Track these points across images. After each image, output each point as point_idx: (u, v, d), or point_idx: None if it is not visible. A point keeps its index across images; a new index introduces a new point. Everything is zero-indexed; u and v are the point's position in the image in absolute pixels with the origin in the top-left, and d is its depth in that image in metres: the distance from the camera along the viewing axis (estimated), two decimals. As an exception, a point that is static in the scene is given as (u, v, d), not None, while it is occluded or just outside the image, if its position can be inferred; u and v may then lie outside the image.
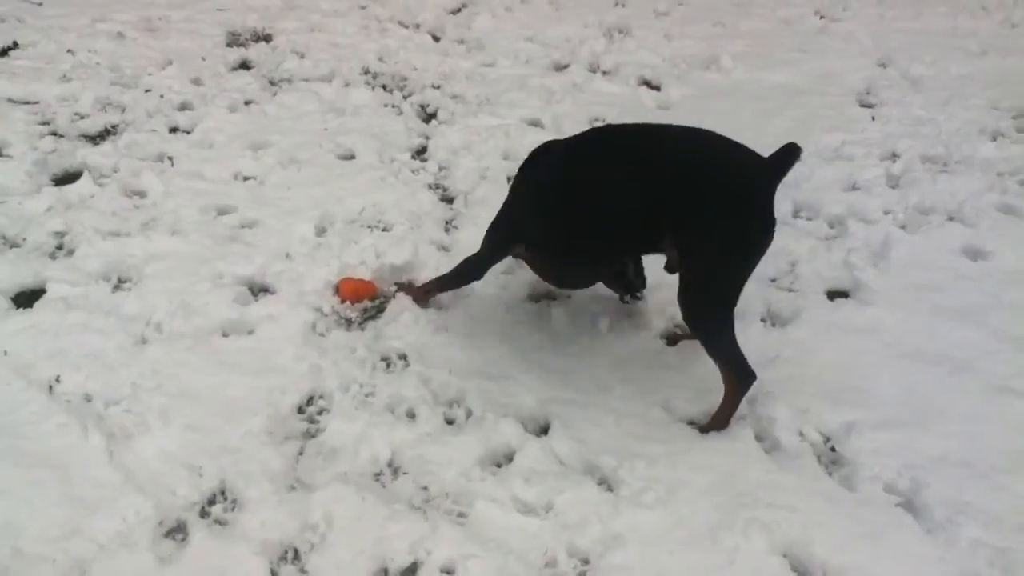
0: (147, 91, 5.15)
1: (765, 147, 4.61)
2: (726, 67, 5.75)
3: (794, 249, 3.76)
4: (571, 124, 4.83)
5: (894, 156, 4.61)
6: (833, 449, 2.79)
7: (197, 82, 5.31)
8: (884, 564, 2.37)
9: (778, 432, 2.81)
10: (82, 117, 4.78)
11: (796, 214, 4.09)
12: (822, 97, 5.38)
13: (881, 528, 2.48)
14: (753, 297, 3.43)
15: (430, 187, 4.26)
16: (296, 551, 2.41)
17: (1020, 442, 2.78)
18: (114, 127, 4.74)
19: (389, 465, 2.69)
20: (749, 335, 3.23)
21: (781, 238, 3.79)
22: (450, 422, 2.87)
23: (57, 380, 2.94)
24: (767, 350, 3.16)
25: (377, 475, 2.65)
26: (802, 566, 2.39)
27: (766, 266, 3.63)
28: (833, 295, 3.52)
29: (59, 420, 2.76)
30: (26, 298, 3.35)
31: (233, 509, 2.53)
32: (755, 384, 2.97)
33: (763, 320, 3.36)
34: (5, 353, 3.04)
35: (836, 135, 4.83)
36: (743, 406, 2.90)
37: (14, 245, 3.65)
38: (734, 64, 5.78)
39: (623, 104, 5.21)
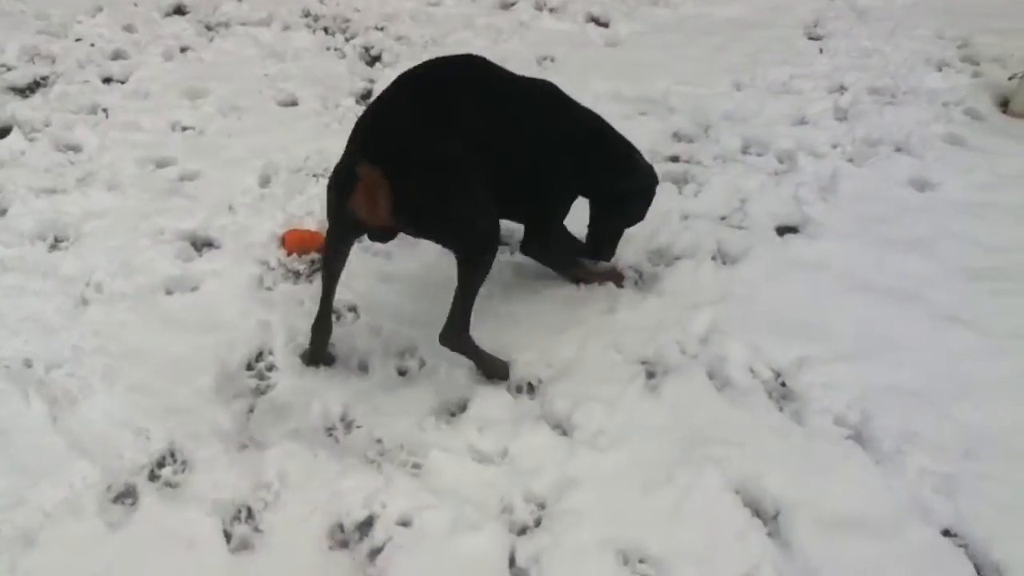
0: (77, 40, 4.94)
1: (715, 83, 4.61)
2: (674, 2, 5.66)
3: (743, 186, 3.76)
4: (518, 63, 4.68)
5: (842, 89, 4.60)
6: (784, 384, 2.81)
7: (129, 29, 5.11)
8: (834, 496, 2.41)
9: (729, 370, 2.82)
10: (9, 69, 4.59)
11: (745, 150, 4.08)
12: (771, 30, 5.33)
13: (831, 461, 2.52)
14: (703, 235, 3.43)
15: (376, 133, 4.16)
16: (250, 510, 2.37)
17: (966, 370, 2.82)
18: (44, 79, 4.56)
19: (342, 419, 2.66)
20: (700, 274, 3.25)
21: (731, 175, 3.82)
22: (402, 373, 2.84)
23: (-6, 346, 2.85)
24: (718, 288, 3.17)
25: (329, 430, 2.62)
26: (754, 501, 2.41)
27: (716, 204, 3.65)
28: (783, 231, 3.52)
29: (-2, 387, 2.69)
30: (-43, 261, 3.23)
31: (183, 471, 2.48)
32: (707, 323, 3.00)
33: (713, 258, 3.35)
34: (-62, 320, 2.93)
35: (785, 68, 4.79)
36: (695, 345, 2.92)
37: (-59, 206, 3.51)
38: (683, -2, 5.69)
39: (571, 41, 5.12)
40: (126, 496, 2.41)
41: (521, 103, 2.79)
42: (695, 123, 4.26)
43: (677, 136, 4.18)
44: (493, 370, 2.80)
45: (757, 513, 2.39)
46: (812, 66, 4.85)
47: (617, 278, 3.23)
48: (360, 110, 4.29)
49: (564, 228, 3.07)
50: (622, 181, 2.97)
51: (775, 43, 5.15)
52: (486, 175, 2.57)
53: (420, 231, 2.61)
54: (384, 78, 4.58)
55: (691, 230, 3.46)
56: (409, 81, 2.63)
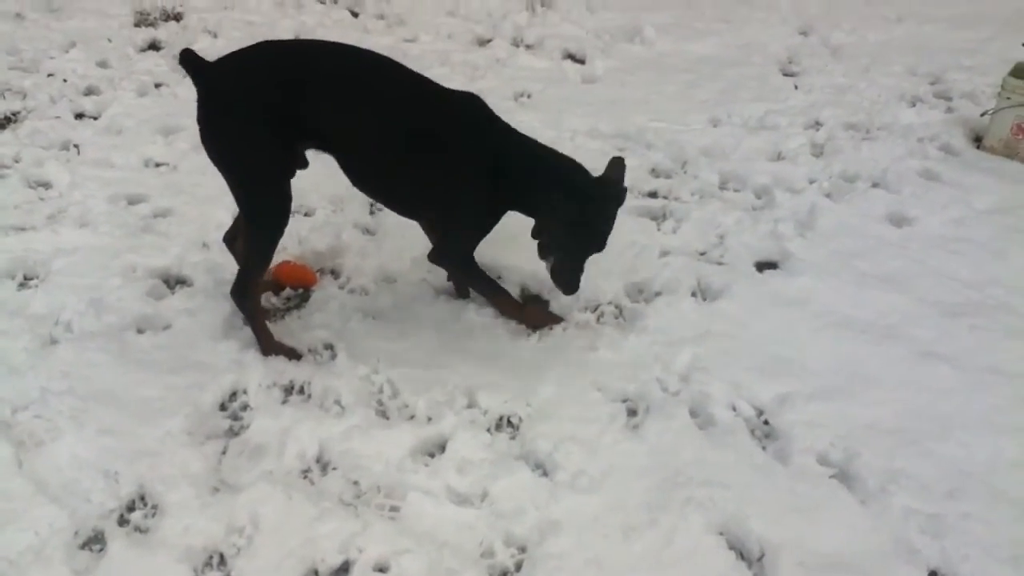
0: (49, 75, 4.90)
1: (692, 119, 4.64)
2: (649, 39, 5.72)
3: (722, 221, 3.76)
4: (496, 99, 4.72)
5: (817, 124, 4.65)
6: (767, 423, 2.78)
7: (103, 65, 5.08)
8: (820, 536, 2.38)
9: (712, 407, 2.80)
10: (-21, 104, 4.52)
11: (723, 186, 4.09)
12: (745, 67, 5.39)
13: (816, 500, 2.49)
14: (683, 271, 3.42)
15: (353, 169, 4.13)
16: (222, 556, 2.30)
17: (946, 407, 2.82)
18: (15, 114, 4.50)
19: (317, 461, 2.59)
20: (681, 310, 3.23)
21: (709, 211, 3.82)
22: (380, 413, 2.78)
23: (-41, 387, 2.76)
24: (698, 325, 3.15)
25: (305, 472, 2.56)
26: (739, 542, 2.38)
27: (695, 240, 3.65)
28: (762, 266, 3.52)
29: (-38, 429, 2.60)
30: (-78, 300, 3.15)
31: (154, 515, 2.41)
32: (688, 360, 2.97)
33: (693, 295, 3.34)
34: (-100, 360, 2.85)
35: (760, 105, 4.84)
36: (676, 383, 2.89)
37: (-92, 243, 3.43)
38: (657, 35, 5.74)
39: (548, 78, 5.15)
40: (94, 542, 2.33)
41: (415, 102, 2.78)
42: (672, 159, 4.27)
43: (655, 172, 4.19)
44: (268, 347, 2.93)
45: (742, 555, 2.36)
46: (787, 102, 4.90)
47: (547, 320, 3.17)
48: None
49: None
50: (557, 201, 2.69)
51: (750, 80, 5.21)
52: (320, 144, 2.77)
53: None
54: (361, 114, 4.58)
55: (671, 266, 3.45)
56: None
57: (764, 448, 2.69)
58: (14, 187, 3.84)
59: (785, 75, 5.34)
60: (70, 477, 2.49)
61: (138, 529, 2.38)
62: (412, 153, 2.73)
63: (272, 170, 2.74)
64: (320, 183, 3.89)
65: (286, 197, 2.78)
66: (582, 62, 5.43)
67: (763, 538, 2.36)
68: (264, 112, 2.64)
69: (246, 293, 2.91)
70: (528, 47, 5.58)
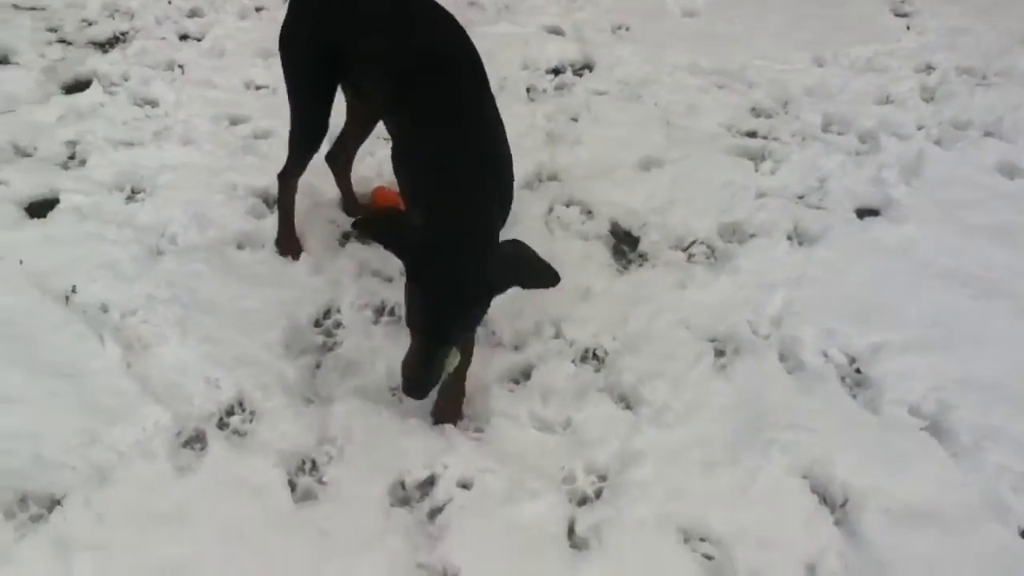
0: (156, -4, 5.00)
1: (795, 58, 4.47)
2: (756, -27, 5.49)
3: (823, 165, 3.65)
4: (593, 31, 4.67)
5: (929, 68, 4.43)
6: (859, 371, 2.74)
7: (207, -13, 5.14)
8: (906, 487, 2.35)
9: (802, 353, 2.76)
10: (90, 24, 4.64)
11: (826, 128, 3.95)
12: (854, 6, 5.14)
13: (905, 451, 2.45)
14: (779, 213, 3.35)
15: (448, 97, 4.13)
16: (314, 462, 2.41)
17: (1049, 365, 2.72)
18: (123, 34, 4.61)
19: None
20: (775, 253, 3.17)
21: (810, 153, 3.72)
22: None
23: (73, 290, 2.90)
24: (793, 269, 3.09)
25: (394, 390, 2.62)
26: (822, 487, 2.37)
27: (793, 182, 3.56)
28: (863, 213, 3.42)
29: (76, 330, 2.75)
30: (39, 208, 3.30)
31: (251, 421, 2.52)
32: (780, 304, 2.93)
33: (789, 238, 3.26)
34: (21, 263, 3.00)
35: (868, 46, 4.63)
36: (767, 326, 2.86)
37: (26, 155, 3.58)
38: (765, -31, 5.52)
39: (647, 11, 5.00)
40: (195, 441, 2.46)
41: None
42: (774, 99, 4.14)
43: (755, 111, 4.08)
44: (282, 239, 3.05)
45: (824, 500, 2.35)
46: (898, 44, 4.68)
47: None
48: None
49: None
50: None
51: (858, 19, 4.97)
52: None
53: None
54: (458, 43, 4.56)
55: (767, 208, 3.38)
56: None
57: (854, 396, 2.65)
58: (122, 104, 3.96)
59: (896, 15, 5.08)
60: (174, 380, 2.62)
61: (236, 432, 2.50)
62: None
63: (311, 93, 2.75)
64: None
65: (316, 122, 2.78)
66: (683, -5, 5.27)
67: (847, 484, 2.35)
68: (318, 39, 2.62)
69: (281, 184, 3.03)
70: (628, -21, 5.43)
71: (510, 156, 2.43)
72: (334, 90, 2.77)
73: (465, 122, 2.33)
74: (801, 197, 3.50)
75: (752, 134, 3.92)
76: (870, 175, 3.58)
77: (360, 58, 2.57)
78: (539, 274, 2.15)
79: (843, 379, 2.70)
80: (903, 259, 3.14)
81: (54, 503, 2.28)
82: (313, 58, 2.65)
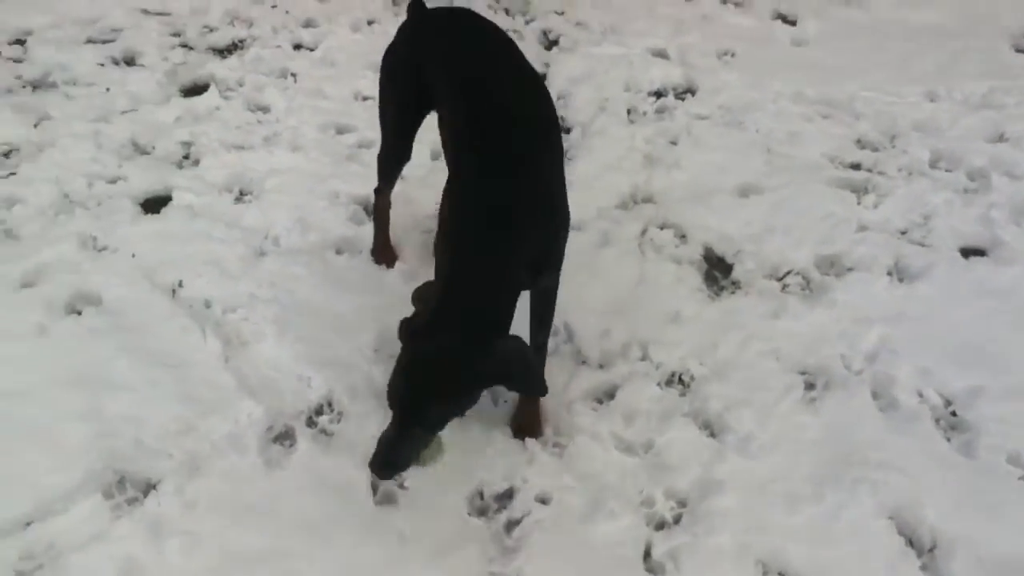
0: (273, 6, 5.19)
1: (906, 91, 4.36)
2: (868, 3, 5.37)
3: (929, 201, 3.54)
4: (698, 56, 4.65)
5: (1050, 108, 4.25)
6: (954, 414, 2.64)
7: (322, -1, 5.33)
8: (999, 536, 2.26)
9: (896, 391, 2.68)
10: (211, 30, 4.87)
11: (934, 164, 3.83)
12: (972, 40, 4.97)
13: (999, 499, 2.36)
14: (880, 248, 3.26)
15: (548, 116, 4.17)
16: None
17: None
18: (241, 41, 4.81)
19: (492, 392, 2.69)
20: (873, 288, 3.09)
21: (916, 188, 3.61)
22: (553, 355, 2.83)
23: (180, 285, 3.05)
24: (891, 305, 3.01)
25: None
26: (910, 529, 2.30)
27: (896, 217, 3.46)
28: (968, 252, 3.30)
29: (180, 323, 2.88)
30: (154, 204, 3.48)
31: (339, 421, 2.59)
32: (876, 340, 2.85)
33: (889, 274, 3.18)
34: (133, 256, 3.17)
35: (985, 82, 4.47)
36: (860, 362, 2.78)
37: (144, 152, 3.78)
38: (879, 0, 5.40)
39: (754, 37, 4.95)
40: (285, 437, 2.55)
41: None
42: (881, 131, 4.05)
43: (860, 143, 3.99)
44: (377, 249, 3.10)
45: (911, 543, 2.28)
46: (1017, 81, 4.49)
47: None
48: (535, 92, 4.34)
49: None
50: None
51: (976, 53, 4.81)
52: None
53: None
54: (560, 62, 4.61)
55: (867, 242, 3.30)
56: None
57: (948, 439, 2.56)
58: (237, 109, 4.13)
59: (1017, 51, 4.89)
60: (268, 376, 2.72)
61: (324, 432, 2.57)
62: None
63: (396, 118, 2.84)
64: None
65: (399, 146, 2.86)
66: (793, 23, 5.19)
67: (937, 529, 2.27)
68: (410, 67, 2.66)
69: (375, 197, 3.13)
70: (737, 5, 5.39)
71: (558, 218, 2.31)
72: (418, 120, 2.82)
73: (506, 180, 2.17)
74: (904, 233, 3.41)
75: (856, 166, 3.83)
76: (978, 214, 3.46)
77: (439, 94, 2.57)
78: (529, 382, 2.11)
79: (938, 421, 2.62)
80: (1008, 302, 3.02)
81: (149, 487, 2.39)
82: (402, 85, 2.71)
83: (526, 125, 2.30)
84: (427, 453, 2.13)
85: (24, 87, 4.22)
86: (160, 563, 2.18)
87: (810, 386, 2.73)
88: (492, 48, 2.56)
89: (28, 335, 2.81)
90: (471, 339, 1.99)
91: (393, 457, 2.07)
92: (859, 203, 3.56)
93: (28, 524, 2.27)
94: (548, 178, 2.29)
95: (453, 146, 2.44)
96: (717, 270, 3.24)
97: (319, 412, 2.63)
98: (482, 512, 2.36)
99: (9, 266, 3.07)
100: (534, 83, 2.51)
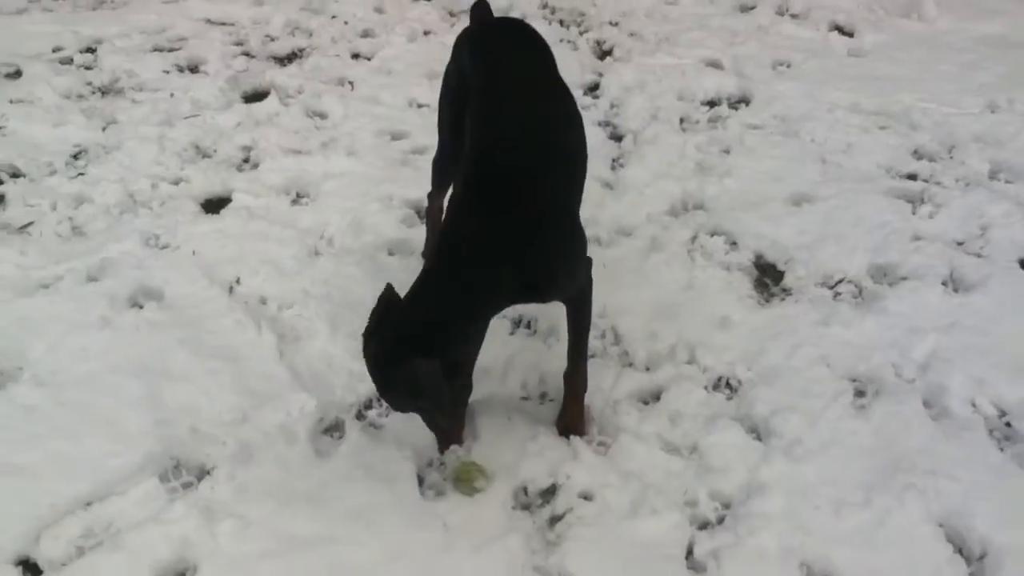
0: (333, 17, 5.33)
1: (966, 102, 4.29)
2: (929, 15, 5.31)
3: (987, 212, 3.48)
4: (753, 66, 4.64)
5: (1116, 120, 4.15)
6: (1009, 424, 2.59)
7: (379, 10, 5.43)
8: (1054, 549, 2.20)
9: (948, 400, 2.64)
10: (272, 39, 5.02)
11: (993, 175, 3.77)
12: (1038, 51, 4.90)
13: (1055, 512, 2.30)
14: (935, 258, 3.22)
15: (599, 124, 4.21)
16: (443, 460, 2.48)
17: None
18: (301, 50, 4.95)
19: (537, 390, 2.72)
20: (927, 298, 3.06)
21: (974, 200, 3.55)
22: (600, 356, 2.85)
23: (237, 281, 3.15)
24: (945, 315, 2.97)
25: (524, 398, 2.69)
26: (959, 538, 2.25)
27: (953, 228, 3.41)
28: (1027, 264, 3.25)
29: (237, 317, 2.97)
30: (214, 205, 3.60)
31: (387, 415, 2.63)
32: (929, 349, 2.81)
33: (944, 284, 3.13)
34: (194, 253, 3.27)
35: (1049, 93, 4.39)
36: (912, 370, 2.75)
37: (206, 155, 3.91)
38: (938, 12, 5.32)
39: (811, 48, 4.93)
40: (335, 429, 2.61)
41: None
42: (939, 142, 3.99)
43: (917, 154, 3.94)
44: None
45: (961, 551, 2.23)
46: (1082, 93, 4.41)
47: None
48: (587, 102, 4.39)
49: None
50: None
51: (1041, 65, 4.73)
52: None
53: None
54: (613, 71, 4.64)
55: (922, 252, 3.25)
56: None
57: (1002, 449, 2.51)
58: (296, 115, 4.25)
59: (1083, 63, 4.80)
60: (320, 371, 2.78)
61: (373, 425, 2.62)
62: None
63: (449, 125, 2.77)
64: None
65: (451, 151, 2.77)
66: (850, 35, 5.16)
67: (987, 538, 2.23)
68: (460, 69, 2.66)
69: (428, 200, 3.13)
70: (793, 16, 5.38)
71: (554, 245, 2.26)
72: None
73: (494, 203, 2.17)
74: (960, 243, 3.36)
75: (912, 176, 3.79)
76: (1039, 226, 3.39)
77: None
78: (434, 402, 2.09)
79: (991, 431, 2.57)
80: (1069, 315, 2.96)
81: (204, 472, 2.47)
82: (454, 87, 2.72)
83: (539, 140, 2.27)
84: (472, 478, 2.36)
85: (94, 93, 4.40)
86: (212, 544, 2.24)
87: (860, 393, 2.70)
88: (527, 59, 2.57)
89: (93, 327, 2.92)
90: (391, 352, 2.09)
91: (437, 430, 2.26)
92: (914, 213, 3.52)
93: (89, 504, 2.35)
94: (546, 203, 2.23)
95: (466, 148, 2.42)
96: (768, 277, 3.23)
97: (368, 406, 2.68)
98: (526, 506, 2.38)
99: (76, 261, 3.20)
100: (563, 98, 2.50)
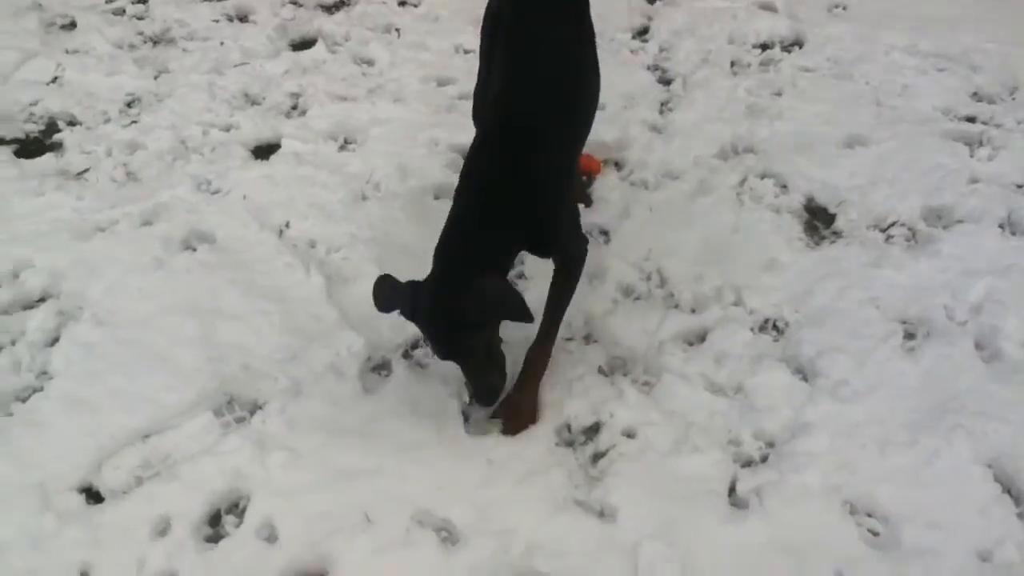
0: (380, -35, 5.29)
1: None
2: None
3: (1049, 154, 3.38)
4: (806, 9, 4.51)
5: None
6: (1064, 367, 2.54)
7: (427, -42, 5.39)
8: (1105, 491, 2.17)
9: (1001, 342, 2.59)
10: (320, -13, 5.01)
11: (1055, 115, 3.65)
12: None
13: (1109, 454, 2.26)
14: (992, 200, 3.13)
15: (648, 68, 4.14)
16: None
17: None
18: (349, -2, 4.94)
19: (582, 331, 2.74)
20: (982, 240, 2.99)
21: (1035, 139, 3.44)
22: (645, 298, 2.84)
23: (287, 225, 3.20)
24: (1001, 257, 2.90)
25: (568, 339, 2.70)
26: (1008, 479, 2.23)
27: (1012, 171, 3.31)
28: (1089, 206, 3.14)
29: (286, 260, 3.02)
30: (263, 151, 3.64)
31: (432, 355, 2.66)
32: (983, 291, 2.76)
33: (1001, 226, 3.05)
34: (244, 197, 3.33)
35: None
36: (965, 312, 2.70)
37: (255, 103, 3.94)
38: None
39: (868, -12, 4.78)
40: (382, 368, 2.66)
41: None
42: (1000, 84, 3.86)
43: (977, 95, 3.81)
44: None
45: (1008, 491, 2.21)
46: None
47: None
48: (636, 46, 4.32)
49: None
50: None
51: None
52: None
53: None
54: (663, 15, 4.55)
55: (979, 194, 3.17)
56: None
57: (1056, 392, 2.47)
58: (343, 62, 4.26)
59: None
60: (367, 312, 2.77)
61: (419, 364, 2.67)
62: None
63: (487, 52, 2.85)
64: (616, 79, 3.97)
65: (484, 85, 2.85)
66: (910, -26, 4.98)
67: (1038, 479, 2.20)
68: (492, 15, 2.76)
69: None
70: (849, -43, 5.20)
71: (549, 204, 2.40)
72: None
73: (500, 155, 2.36)
74: (1020, 186, 3.26)
75: (971, 119, 3.67)
76: (1102, 168, 3.28)
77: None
78: (513, 313, 2.14)
79: (1046, 374, 2.52)
80: None
81: (256, 407, 2.54)
82: (491, 26, 2.76)
83: (547, 90, 2.40)
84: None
85: (145, 42, 4.44)
86: (264, 475, 2.32)
87: (910, 335, 2.67)
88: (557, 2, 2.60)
89: (148, 268, 3.00)
90: (452, 280, 2.19)
91: (479, 386, 2.29)
92: (972, 155, 3.42)
93: (146, 437, 2.45)
94: (545, 157, 2.35)
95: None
96: (818, 220, 3.18)
97: (415, 346, 2.72)
98: (569, 443, 2.41)
99: (131, 206, 3.28)
100: (584, 44, 2.59)
